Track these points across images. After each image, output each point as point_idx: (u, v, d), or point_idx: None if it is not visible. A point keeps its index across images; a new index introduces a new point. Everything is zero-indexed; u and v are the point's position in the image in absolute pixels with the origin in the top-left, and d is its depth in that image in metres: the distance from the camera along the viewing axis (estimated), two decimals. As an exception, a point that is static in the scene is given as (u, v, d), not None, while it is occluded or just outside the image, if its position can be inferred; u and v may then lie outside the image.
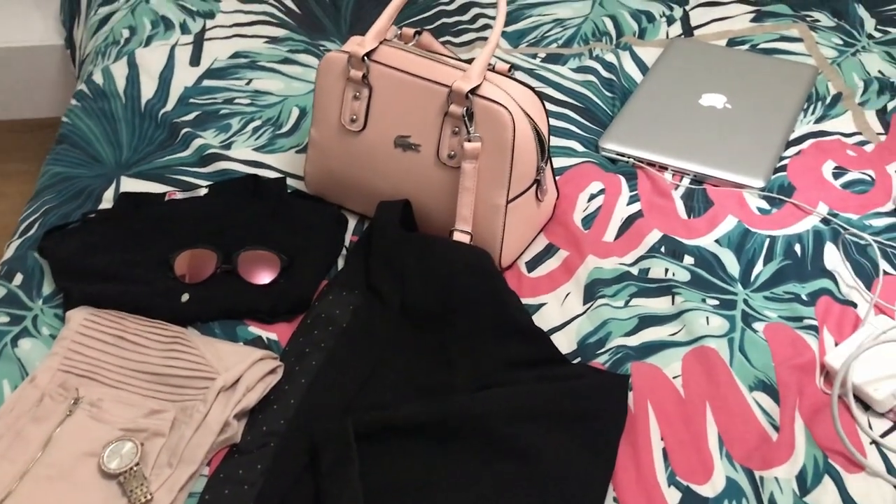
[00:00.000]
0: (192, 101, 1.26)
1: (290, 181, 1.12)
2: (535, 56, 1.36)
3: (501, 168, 0.94)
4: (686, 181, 1.12)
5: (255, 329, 0.94)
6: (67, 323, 0.92)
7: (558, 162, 1.14)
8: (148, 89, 1.27)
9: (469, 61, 0.97)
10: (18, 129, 2.17)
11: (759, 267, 1.00)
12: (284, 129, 1.21)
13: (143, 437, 0.82)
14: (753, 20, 1.42)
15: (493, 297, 0.89)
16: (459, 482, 0.76)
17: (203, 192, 1.08)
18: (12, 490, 0.78)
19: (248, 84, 1.29)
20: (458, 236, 0.95)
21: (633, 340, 0.91)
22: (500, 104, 0.92)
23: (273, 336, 0.93)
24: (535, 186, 0.98)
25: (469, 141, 0.93)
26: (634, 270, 0.99)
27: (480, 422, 0.79)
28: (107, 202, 1.10)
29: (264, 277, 0.98)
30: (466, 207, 0.95)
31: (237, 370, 0.85)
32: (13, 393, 0.87)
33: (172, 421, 0.83)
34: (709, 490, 0.79)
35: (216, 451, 0.82)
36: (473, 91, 0.92)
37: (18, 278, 1.01)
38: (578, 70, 1.32)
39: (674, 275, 0.98)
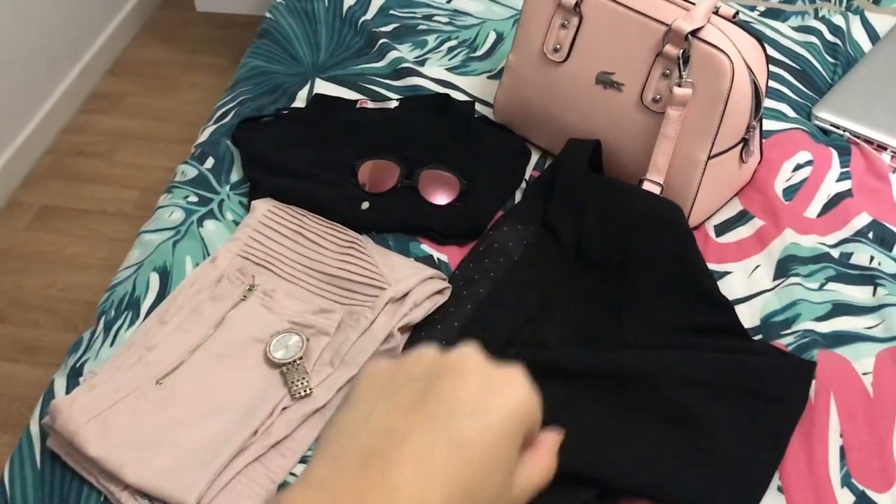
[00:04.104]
0: (392, 12, 1.25)
1: (478, 106, 1.10)
2: (753, 8, 1.26)
3: (710, 120, 0.87)
4: (907, 165, 1.01)
5: (427, 247, 0.93)
6: (252, 211, 0.94)
7: (765, 125, 1.05)
8: (351, -5, 1.27)
9: (691, 2, 0.90)
10: (218, 25, 2.26)
11: (980, 271, 0.89)
12: (479, 53, 1.19)
13: (309, 333, 0.83)
14: None
15: (680, 255, 0.84)
16: (620, 438, 0.73)
17: (393, 104, 1.08)
18: (184, 360, 0.81)
19: (448, 2, 1.27)
20: (648, 186, 0.90)
21: (824, 327, 0.84)
22: (721, 50, 0.85)
23: (444, 257, 0.93)
24: (741, 145, 0.92)
25: (679, 86, 0.87)
26: (835, 253, 0.91)
27: (650, 381, 0.75)
28: (300, 101, 1.12)
29: (443, 198, 0.97)
30: (663, 157, 0.89)
31: (407, 284, 0.85)
32: (195, 269, 0.90)
33: (339, 322, 0.84)
34: (887, 500, 0.72)
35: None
36: (694, 33, 0.86)
37: (210, 162, 1.05)
38: (800, 29, 1.21)
39: (879, 264, 0.90)
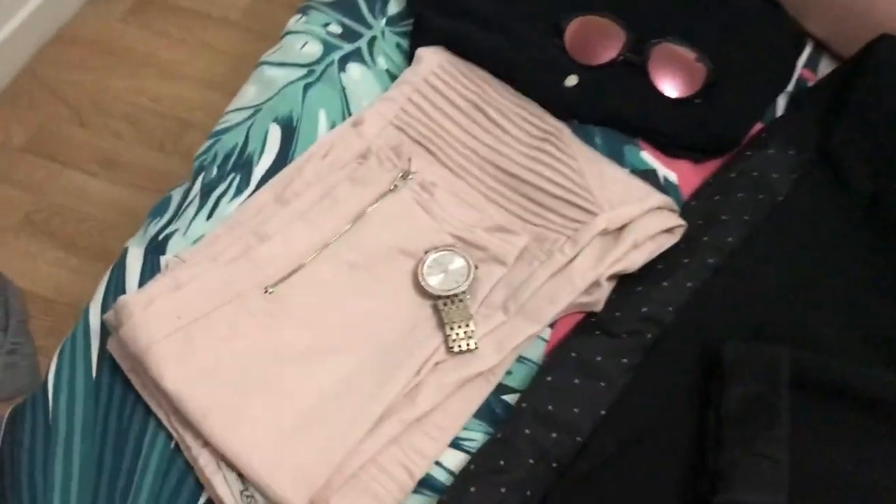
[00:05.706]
0: None
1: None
2: None
3: None
4: None
5: (648, 156, 0.66)
6: (415, 63, 0.68)
7: None
8: None
9: None
10: None
11: None
12: None
13: (478, 258, 0.59)
14: None
15: None
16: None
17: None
18: (305, 263, 0.58)
19: None
20: None
21: None
22: None
23: (672, 176, 0.66)
24: None
25: None
26: None
27: None
28: (490, -85, 0.82)
29: (680, 88, 0.68)
30: None
31: (626, 212, 0.59)
32: (332, 131, 0.66)
33: (522, 249, 0.59)
34: None
35: (567, 314, 0.58)
36: None
37: (361, -20, 0.77)
38: None
39: None
